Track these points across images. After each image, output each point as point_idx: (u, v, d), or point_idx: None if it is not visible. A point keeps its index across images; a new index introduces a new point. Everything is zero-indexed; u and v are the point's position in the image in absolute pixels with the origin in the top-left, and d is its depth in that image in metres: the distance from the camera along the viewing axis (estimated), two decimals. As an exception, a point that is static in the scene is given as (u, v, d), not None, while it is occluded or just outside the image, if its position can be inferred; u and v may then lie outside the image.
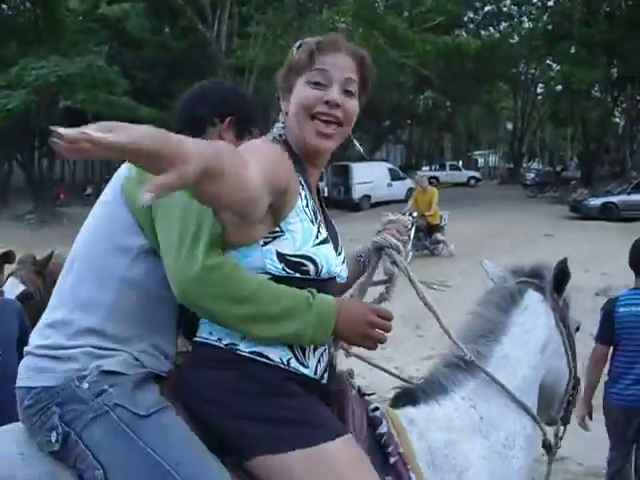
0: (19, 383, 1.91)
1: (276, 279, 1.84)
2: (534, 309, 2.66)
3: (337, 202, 34.31)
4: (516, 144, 52.85)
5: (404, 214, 2.43)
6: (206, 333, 1.90)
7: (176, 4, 22.94)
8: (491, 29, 46.50)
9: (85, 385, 1.81)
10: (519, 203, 31.52)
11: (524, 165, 58.42)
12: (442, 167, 51.86)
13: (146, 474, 1.72)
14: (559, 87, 37.87)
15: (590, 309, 10.45)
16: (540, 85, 46.79)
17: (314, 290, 1.85)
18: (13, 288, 4.29)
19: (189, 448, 1.77)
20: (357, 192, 31.68)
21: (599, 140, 39.12)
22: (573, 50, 35.09)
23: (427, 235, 17.16)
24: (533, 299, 2.69)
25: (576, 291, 10.64)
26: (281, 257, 1.84)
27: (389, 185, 32.43)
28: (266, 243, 1.84)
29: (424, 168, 50.76)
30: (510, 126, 63.27)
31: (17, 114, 23.92)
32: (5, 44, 28.12)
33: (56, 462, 1.80)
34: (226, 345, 1.86)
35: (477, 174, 55.08)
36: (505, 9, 45.12)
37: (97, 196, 2.16)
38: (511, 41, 41.96)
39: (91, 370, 1.82)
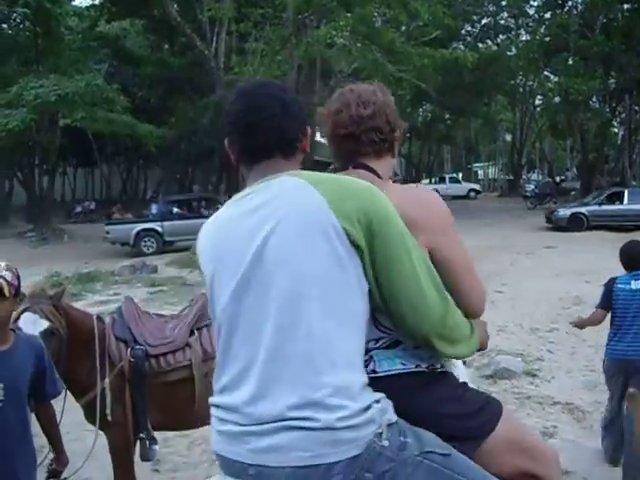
0: (311, 461, 1.70)
1: None
2: None
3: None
4: (515, 156, 52.95)
5: None
6: (399, 365, 2.03)
7: (174, 22, 23.03)
8: (489, 42, 46.63)
9: (386, 443, 1.77)
10: (519, 215, 31.59)
11: (524, 176, 58.53)
12: (442, 180, 51.98)
13: None
14: (557, 99, 37.98)
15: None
16: (538, 97, 46.90)
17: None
18: (36, 324, 3.91)
19: (476, 468, 1.98)
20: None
21: (598, 150, 39.20)
22: (570, 62, 35.24)
23: None
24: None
25: (578, 303, 10.75)
26: None
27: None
28: None
29: (424, 181, 50.81)
30: (509, 138, 63.40)
31: (17, 133, 23.97)
32: (5, 63, 28.23)
33: None
34: (427, 367, 2.06)
35: (477, 186, 55.19)
36: (502, 22, 45.34)
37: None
38: (509, 53, 42.12)
39: (381, 425, 1.78)
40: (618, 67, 35.81)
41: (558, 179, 52.16)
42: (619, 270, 5.72)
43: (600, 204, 25.75)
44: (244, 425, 1.77)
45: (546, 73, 41.70)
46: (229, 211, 2.04)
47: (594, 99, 37.18)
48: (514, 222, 27.88)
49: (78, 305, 6.27)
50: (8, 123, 22.84)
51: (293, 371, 1.73)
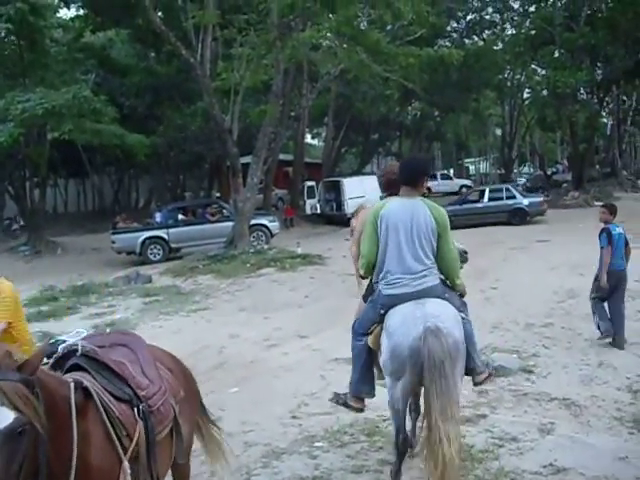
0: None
1: None
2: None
3: (330, 218, 34.37)
4: (506, 150, 52.99)
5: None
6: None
7: (159, 30, 22.97)
8: (475, 37, 46.64)
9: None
10: (511, 209, 31.53)
11: (515, 170, 58.58)
12: (433, 177, 51.91)
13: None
14: (545, 92, 38.02)
15: (586, 314, 10.52)
16: (526, 90, 46.95)
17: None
18: None
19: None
20: (349, 207, 31.63)
21: (588, 141, 39.25)
22: (556, 54, 35.31)
23: None
24: None
25: (573, 296, 10.76)
26: None
27: (381, 198, 32.43)
28: None
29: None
30: (499, 132, 63.45)
31: (6, 148, 23.88)
32: (-10, 78, 28.16)
33: None
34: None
35: (468, 182, 55.15)
36: (488, 17, 45.28)
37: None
38: (495, 48, 42.14)
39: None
40: (604, 58, 35.92)
41: (549, 172, 52.27)
42: None
43: (462, 204, 28.16)
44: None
45: (533, 66, 41.70)
46: (397, 203, 5.03)
47: (581, 91, 37.18)
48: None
49: (74, 318, 5.82)
50: (-4, 138, 22.77)
51: (421, 259, 4.85)
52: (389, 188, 5.63)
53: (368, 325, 5.13)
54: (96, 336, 4.03)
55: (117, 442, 3.08)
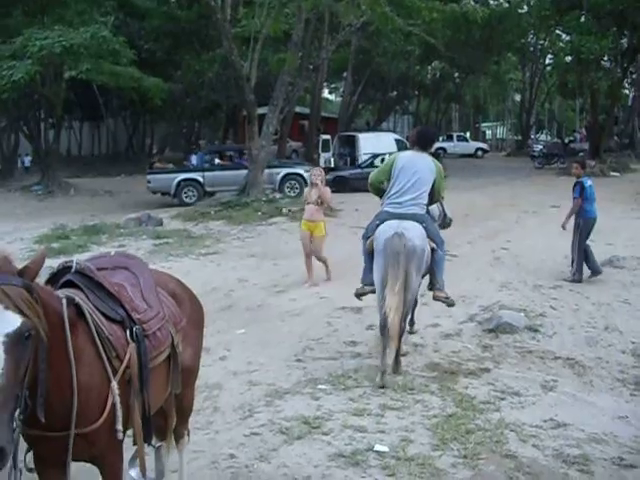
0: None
1: None
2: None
3: (343, 171, 34.23)
4: (524, 116, 52.52)
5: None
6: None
7: (181, -28, 22.67)
8: (500, -1, 45.84)
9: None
10: (526, 174, 31.44)
11: (532, 137, 58.06)
12: (449, 138, 51.58)
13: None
14: (568, 58, 37.41)
15: (596, 279, 10.51)
16: (549, 56, 46.23)
17: None
18: (1, 322, 2.53)
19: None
20: (363, 162, 31.52)
21: (608, 112, 38.74)
22: (583, 19, 34.62)
23: None
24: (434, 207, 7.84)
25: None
26: None
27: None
28: None
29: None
30: (518, 98, 62.79)
31: (22, 85, 23.74)
32: (9, 14, 27.83)
33: None
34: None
35: (484, 145, 54.81)
36: (514, -22, 44.43)
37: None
38: (520, 11, 41.39)
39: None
40: (631, 25, 35.15)
41: (567, 140, 51.79)
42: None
43: (362, 167, 27.91)
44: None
45: (557, 32, 40.96)
46: (410, 154, 7.37)
47: (605, 58, 36.53)
48: (521, 181, 27.75)
49: (84, 256, 5.58)
50: (13, 75, 22.60)
51: (414, 192, 6.96)
52: (413, 145, 7.59)
53: (369, 231, 7.15)
54: (99, 257, 3.90)
55: (107, 362, 3.05)
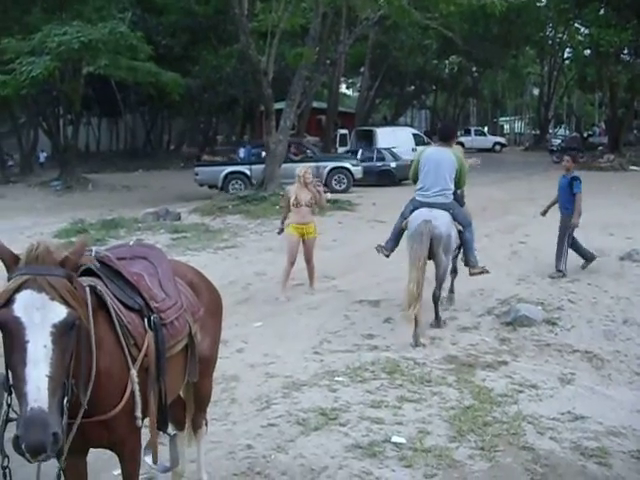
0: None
1: None
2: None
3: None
4: (542, 110, 52.14)
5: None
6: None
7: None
8: (518, -8, 45.56)
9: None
10: (544, 169, 31.19)
11: (550, 131, 57.68)
12: (467, 132, 51.33)
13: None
14: (587, 51, 37.13)
15: (614, 272, 10.43)
16: (567, 49, 45.88)
17: None
18: (46, 312, 2.56)
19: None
20: (382, 157, 31.50)
21: (627, 105, 38.40)
22: (602, 12, 34.32)
23: None
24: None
25: (601, 255, 10.67)
26: None
27: (413, 150, 32.04)
28: None
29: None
30: (536, 92, 62.36)
31: (41, 81, 23.94)
32: (28, 11, 28.05)
33: None
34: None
35: (502, 140, 54.51)
36: (533, -29, 44.14)
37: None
38: (538, 4, 41.14)
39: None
40: (652, 18, 34.87)
41: (586, 134, 51.39)
42: None
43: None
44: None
45: (576, 25, 40.65)
46: (433, 149, 8.72)
47: (625, 51, 36.24)
48: (539, 175, 27.55)
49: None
50: (32, 70, 22.77)
51: (439, 183, 8.07)
52: (436, 140, 9.26)
53: (405, 214, 8.27)
54: (118, 247, 3.93)
55: (126, 350, 3.07)
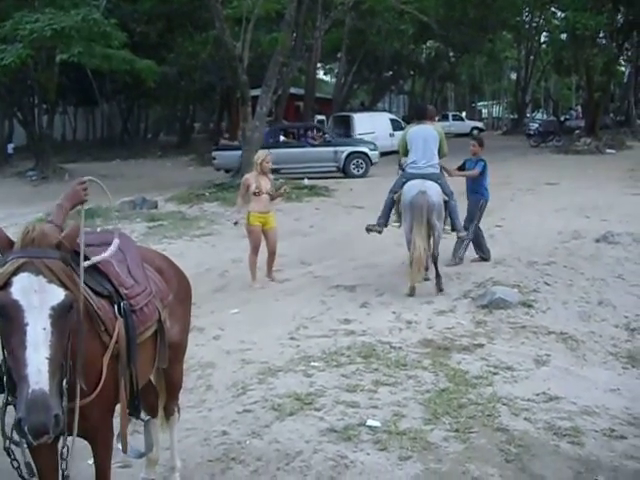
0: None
1: None
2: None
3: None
4: (520, 94, 52.26)
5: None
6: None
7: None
8: (494, -24, 45.48)
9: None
10: (522, 153, 31.38)
11: (528, 115, 57.88)
12: (445, 117, 51.34)
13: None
14: (563, 35, 37.17)
15: (590, 255, 10.51)
16: (544, 33, 45.97)
17: None
18: (45, 294, 2.58)
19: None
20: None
21: (604, 89, 38.56)
22: (578, -4, 34.32)
23: None
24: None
25: (577, 237, 10.77)
26: None
27: (391, 136, 32.04)
28: None
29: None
30: (514, 76, 62.51)
31: (14, 70, 23.56)
32: (-1, -2, 27.64)
33: None
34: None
35: (480, 124, 54.63)
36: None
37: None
38: (514, -12, 41.07)
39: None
40: (627, 1, 34.91)
41: (562, 118, 51.63)
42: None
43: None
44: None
45: (552, 9, 40.69)
46: (416, 127, 9.48)
47: (601, 35, 36.32)
48: (517, 159, 27.69)
49: None
50: (4, 59, 22.42)
51: (427, 156, 9.10)
52: (412, 120, 10.24)
53: (396, 187, 9.19)
54: (86, 235, 3.91)
55: (97, 337, 3.08)
